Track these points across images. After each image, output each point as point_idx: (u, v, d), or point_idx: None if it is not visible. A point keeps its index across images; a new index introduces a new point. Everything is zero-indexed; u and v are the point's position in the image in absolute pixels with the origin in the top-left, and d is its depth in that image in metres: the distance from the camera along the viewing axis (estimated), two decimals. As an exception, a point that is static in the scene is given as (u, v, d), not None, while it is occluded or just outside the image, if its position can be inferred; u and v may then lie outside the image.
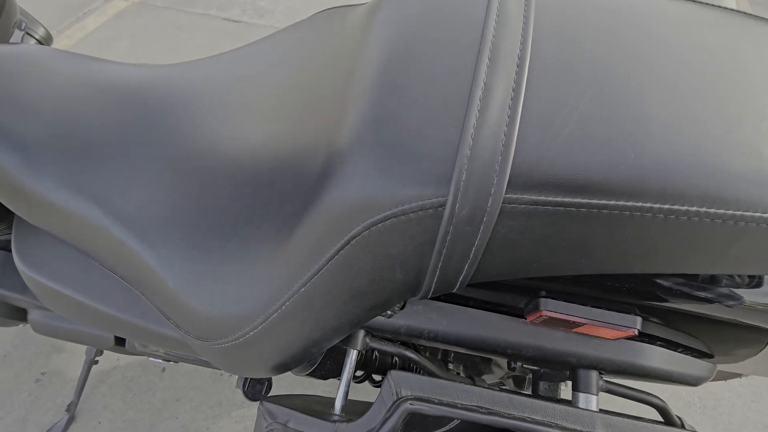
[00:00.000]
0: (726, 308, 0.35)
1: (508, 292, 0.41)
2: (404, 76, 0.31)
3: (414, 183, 0.28)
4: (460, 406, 0.35)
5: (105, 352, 1.17)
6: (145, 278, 0.46)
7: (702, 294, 0.34)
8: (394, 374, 0.37)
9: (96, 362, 1.06)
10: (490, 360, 0.68)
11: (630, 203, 0.26)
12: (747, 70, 0.28)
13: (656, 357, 0.39)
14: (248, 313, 0.38)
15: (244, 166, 0.40)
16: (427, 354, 0.60)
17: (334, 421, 0.38)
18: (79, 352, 1.22)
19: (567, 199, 0.26)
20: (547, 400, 0.35)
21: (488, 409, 0.35)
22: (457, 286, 0.33)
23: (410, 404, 0.35)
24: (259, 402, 0.43)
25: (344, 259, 0.32)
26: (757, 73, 0.28)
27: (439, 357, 0.62)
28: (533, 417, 0.34)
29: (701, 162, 0.26)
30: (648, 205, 0.26)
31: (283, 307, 0.36)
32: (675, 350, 0.41)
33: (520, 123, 0.27)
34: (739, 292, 0.34)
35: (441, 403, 0.35)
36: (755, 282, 0.34)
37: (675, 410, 1.17)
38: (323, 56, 0.43)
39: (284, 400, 0.43)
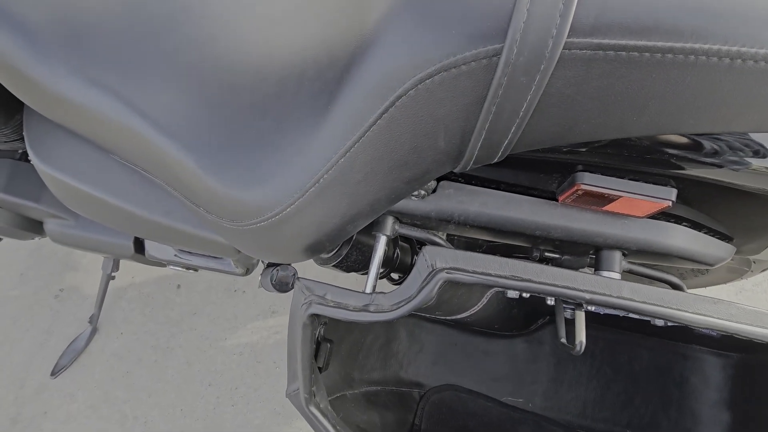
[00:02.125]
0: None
1: (542, 171, 0.41)
2: None
3: (467, 31, 0.27)
4: (494, 274, 0.36)
5: (121, 269, 1.21)
6: (169, 166, 0.46)
7: (739, 159, 0.34)
8: (428, 248, 0.38)
9: (113, 277, 1.09)
10: (510, 255, 0.71)
11: (697, 45, 0.25)
12: None
13: (680, 236, 0.40)
14: (284, 189, 0.38)
15: (270, 53, 0.38)
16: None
17: (370, 293, 0.39)
18: (94, 269, 1.25)
19: (632, 42, 0.25)
20: (576, 272, 0.37)
21: (521, 277, 0.36)
22: (499, 154, 0.32)
23: (446, 273, 0.36)
24: (292, 292, 0.44)
25: (387, 124, 0.31)
26: None
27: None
28: (564, 284, 0.36)
29: None
30: (716, 47, 0.25)
31: (321, 180, 0.35)
32: (699, 230, 0.42)
33: None
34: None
35: (475, 272, 0.36)
36: None
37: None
38: None
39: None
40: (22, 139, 0.67)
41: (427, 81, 0.29)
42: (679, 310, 0.35)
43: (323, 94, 0.35)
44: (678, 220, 0.42)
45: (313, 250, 0.42)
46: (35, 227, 0.86)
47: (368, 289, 0.44)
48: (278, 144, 0.38)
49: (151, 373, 1.10)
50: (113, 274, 1.10)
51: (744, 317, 0.35)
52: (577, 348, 0.40)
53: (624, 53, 0.26)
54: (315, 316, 0.41)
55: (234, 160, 0.40)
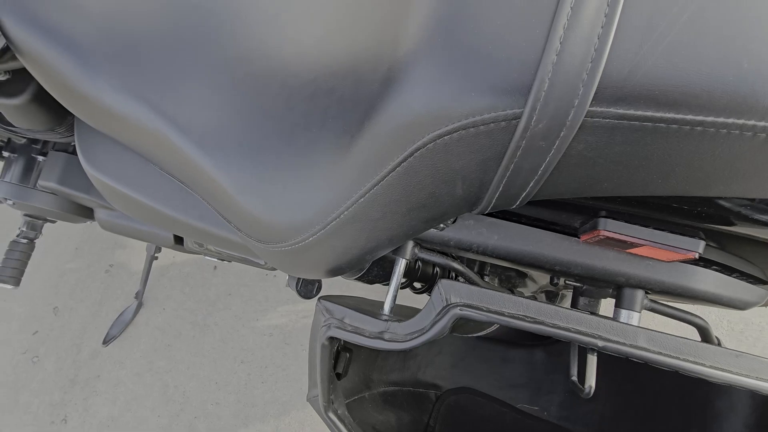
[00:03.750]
0: None
1: (564, 210, 0.40)
2: None
3: (488, 92, 0.27)
4: (507, 314, 0.37)
5: (163, 251, 1.29)
6: (204, 183, 0.48)
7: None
8: (444, 282, 0.39)
9: (156, 258, 1.17)
10: (525, 275, 0.71)
11: (731, 120, 0.24)
12: None
13: (709, 281, 0.39)
14: (307, 219, 0.39)
15: (299, 73, 0.39)
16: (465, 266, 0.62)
17: (386, 320, 0.41)
18: (139, 248, 1.34)
19: (659, 114, 0.24)
20: (590, 314, 0.36)
21: (534, 318, 0.36)
22: (518, 203, 0.32)
23: (460, 310, 0.37)
24: (315, 299, 0.46)
25: (406, 171, 0.32)
26: None
27: (476, 270, 0.65)
28: (577, 328, 0.36)
29: None
30: (752, 122, 0.23)
31: (342, 216, 0.37)
32: (730, 275, 0.40)
33: (617, 26, 0.24)
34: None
35: (489, 311, 0.37)
36: None
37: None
38: None
39: (338, 299, 0.46)
40: None
41: (446, 137, 0.29)
42: (696, 363, 0.34)
43: (346, 135, 0.36)
44: (708, 263, 0.40)
45: (335, 272, 0.44)
46: (87, 213, 0.93)
47: (386, 309, 0.46)
48: (303, 175, 0.39)
49: (190, 347, 1.19)
50: (156, 255, 1.18)
51: (767, 372, 0.34)
52: (586, 392, 0.40)
53: (650, 124, 0.25)
54: (333, 338, 0.44)
55: (263, 185, 0.42)
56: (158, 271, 1.29)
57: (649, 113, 0.24)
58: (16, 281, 0.86)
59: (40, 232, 0.89)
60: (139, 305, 1.24)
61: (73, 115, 0.69)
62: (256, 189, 0.43)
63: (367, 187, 0.34)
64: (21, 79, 0.58)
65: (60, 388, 1.17)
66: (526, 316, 0.37)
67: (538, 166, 0.28)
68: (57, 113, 0.68)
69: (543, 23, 0.25)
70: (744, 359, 0.35)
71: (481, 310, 0.37)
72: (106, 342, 1.20)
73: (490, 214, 0.43)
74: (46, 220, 0.90)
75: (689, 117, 0.24)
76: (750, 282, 0.41)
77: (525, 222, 0.42)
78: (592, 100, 0.25)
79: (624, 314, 0.41)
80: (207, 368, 1.16)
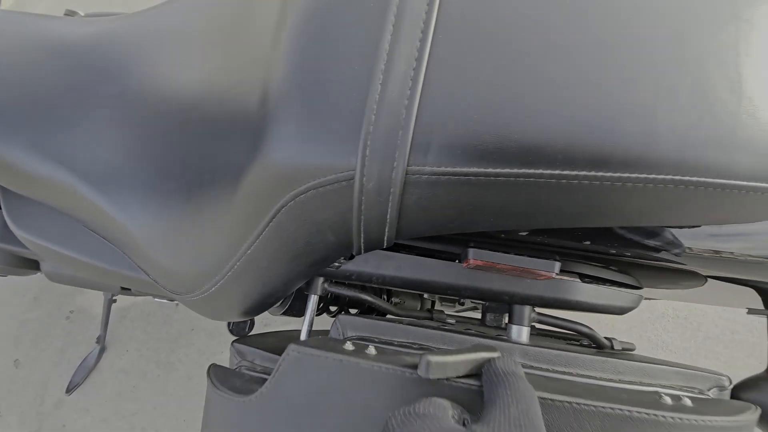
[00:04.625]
0: (646, 252, 0.38)
1: (443, 242, 0.44)
2: (321, 37, 0.31)
3: (328, 155, 0.30)
4: (396, 343, 0.40)
5: (122, 291, 1.29)
6: (122, 237, 0.50)
7: (616, 243, 0.37)
8: (341, 318, 0.41)
9: (114, 301, 1.17)
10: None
11: (522, 170, 0.27)
12: (656, 27, 0.27)
13: (583, 292, 0.43)
14: (208, 270, 0.42)
15: (185, 109, 0.42)
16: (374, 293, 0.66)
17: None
18: (99, 292, 1.33)
19: (465, 169, 0.28)
20: (473, 335, 0.40)
21: (420, 344, 0.40)
22: (385, 244, 0.36)
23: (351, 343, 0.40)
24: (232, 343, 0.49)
25: (278, 226, 0.35)
26: (665, 34, 0.28)
27: (384, 296, 0.69)
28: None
29: (591, 127, 0.26)
30: (539, 171, 0.27)
31: (235, 266, 0.39)
32: (603, 285, 0.44)
33: (421, 94, 0.28)
34: (650, 242, 0.36)
35: (381, 342, 0.40)
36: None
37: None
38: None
39: (256, 340, 0.49)
40: None
41: (302, 195, 0.32)
42: (564, 373, 0.38)
43: (230, 189, 0.38)
44: (583, 276, 0.44)
45: (247, 315, 0.47)
46: (33, 265, 0.93)
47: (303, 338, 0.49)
48: (200, 225, 0.42)
49: (156, 387, 1.18)
50: (115, 298, 1.17)
51: (630, 373, 0.38)
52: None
53: (462, 177, 0.28)
54: (246, 378, 0.46)
55: (167, 234, 0.45)
56: (119, 312, 1.29)
57: (457, 168, 0.28)
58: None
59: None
60: (102, 349, 1.23)
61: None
62: (163, 242, 0.45)
63: (250, 240, 0.37)
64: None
65: (24, 443, 1.15)
66: (413, 343, 0.40)
67: (384, 216, 0.31)
68: None
69: (361, 94, 0.28)
70: (609, 363, 0.38)
71: (374, 341, 0.40)
72: (69, 390, 1.19)
73: (386, 248, 0.46)
74: (-8, 276, 0.90)
75: (489, 170, 0.28)
76: (625, 288, 0.45)
77: (417, 252, 0.45)
78: (409, 160, 0.28)
79: (515, 329, 0.45)
80: (174, 407, 1.15)
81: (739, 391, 0.44)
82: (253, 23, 0.39)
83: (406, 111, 0.28)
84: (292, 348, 0.35)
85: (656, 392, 0.34)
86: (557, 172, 0.27)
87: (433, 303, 0.76)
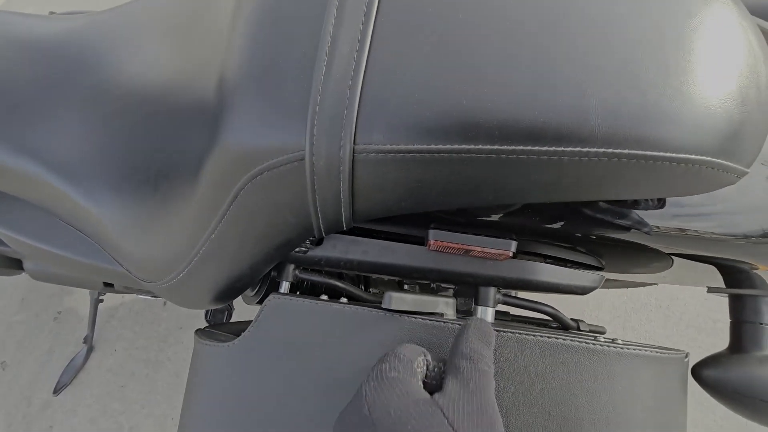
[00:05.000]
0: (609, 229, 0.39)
1: (410, 224, 0.45)
2: (271, 24, 0.32)
3: (279, 136, 0.31)
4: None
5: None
6: (95, 228, 0.51)
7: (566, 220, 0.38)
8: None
9: (101, 300, 1.17)
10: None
11: (463, 146, 0.28)
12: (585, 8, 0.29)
13: (544, 273, 0.44)
14: (176, 257, 0.43)
15: (149, 102, 0.43)
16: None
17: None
18: (86, 292, 1.33)
19: (409, 146, 0.29)
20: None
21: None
22: (344, 226, 0.37)
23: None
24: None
25: (238, 209, 0.36)
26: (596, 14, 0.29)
27: (362, 286, 0.70)
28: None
29: (526, 103, 0.27)
30: (479, 146, 0.28)
31: (201, 251, 0.40)
32: (564, 265, 0.45)
33: (364, 74, 0.29)
34: (603, 216, 0.38)
35: None
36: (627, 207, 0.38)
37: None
38: None
39: (222, 327, 0.50)
40: None
41: (258, 177, 0.33)
42: None
43: (192, 176, 0.39)
44: (545, 258, 0.45)
45: (217, 302, 0.47)
46: (16, 264, 0.93)
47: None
48: (166, 212, 0.43)
49: (144, 386, 1.18)
50: (101, 297, 1.17)
51: None
52: None
53: (407, 154, 0.29)
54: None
55: (137, 223, 0.45)
56: (107, 312, 1.29)
57: (401, 146, 0.29)
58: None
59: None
60: (90, 349, 1.23)
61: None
62: (133, 230, 0.46)
63: (213, 225, 0.38)
64: None
65: (12, 444, 1.15)
66: None
67: (338, 196, 0.32)
68: None
69: (307, 76, 0.30)
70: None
71: None
72: (56, 391, 1.18)
73: (352, 233, 0.47)
74: (-27, 277, 0.90)
75: (432, 146, 0.29)
76: (586, 269, 0.46)
77: (383, 237, 0.46)
78: (356, 139, 0.29)
79: (480, 310, 0.46)
80: (162, 405, 1.16)
81: (701, 369, 0.46)
82: (212, 16, 0.41)
83: (350, 91, 0.29)
84: (272, 296, 0.39)
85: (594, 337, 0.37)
86: (496, 147, 0.28)
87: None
